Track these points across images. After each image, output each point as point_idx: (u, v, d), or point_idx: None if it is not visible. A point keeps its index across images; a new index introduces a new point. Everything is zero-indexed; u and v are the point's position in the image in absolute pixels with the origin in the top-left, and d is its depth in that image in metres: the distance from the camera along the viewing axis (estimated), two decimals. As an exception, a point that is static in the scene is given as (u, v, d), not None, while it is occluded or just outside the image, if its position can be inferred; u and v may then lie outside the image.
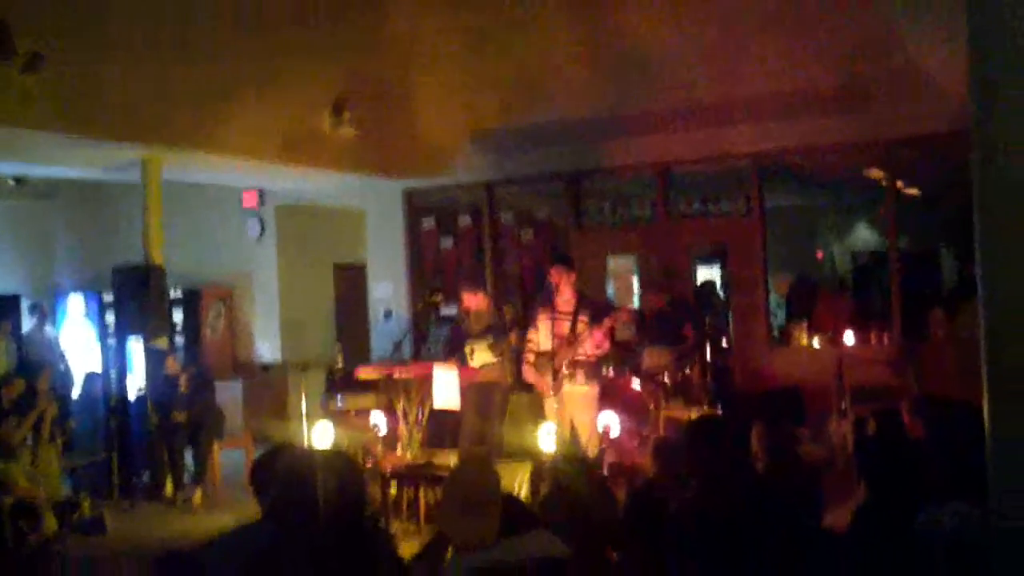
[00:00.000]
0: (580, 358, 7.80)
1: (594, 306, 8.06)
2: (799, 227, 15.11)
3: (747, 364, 10.43)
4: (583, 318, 7.84)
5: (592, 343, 7.79)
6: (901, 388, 8.76)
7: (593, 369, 7.93)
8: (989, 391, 3.88)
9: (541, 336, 7.99)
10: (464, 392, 8.05)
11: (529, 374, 8.08)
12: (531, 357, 8.04)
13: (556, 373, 7.84)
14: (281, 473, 3.45)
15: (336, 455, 3.78)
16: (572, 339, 7.81)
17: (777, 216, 11.80)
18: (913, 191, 12.01)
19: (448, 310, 11.42)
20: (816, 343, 10.38)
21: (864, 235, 15.90)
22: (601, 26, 10.11)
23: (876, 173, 10.64)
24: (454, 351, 8.54)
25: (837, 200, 15.28)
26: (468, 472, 3.81)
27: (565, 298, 7.97)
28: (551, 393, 7.86)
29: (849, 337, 10.02)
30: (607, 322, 7.78)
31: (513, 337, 8.77)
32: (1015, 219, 3.59)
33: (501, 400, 8.63)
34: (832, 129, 9.85)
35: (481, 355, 8.30)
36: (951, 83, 8.24)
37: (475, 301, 8.57)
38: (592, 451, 7.38)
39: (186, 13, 8.61)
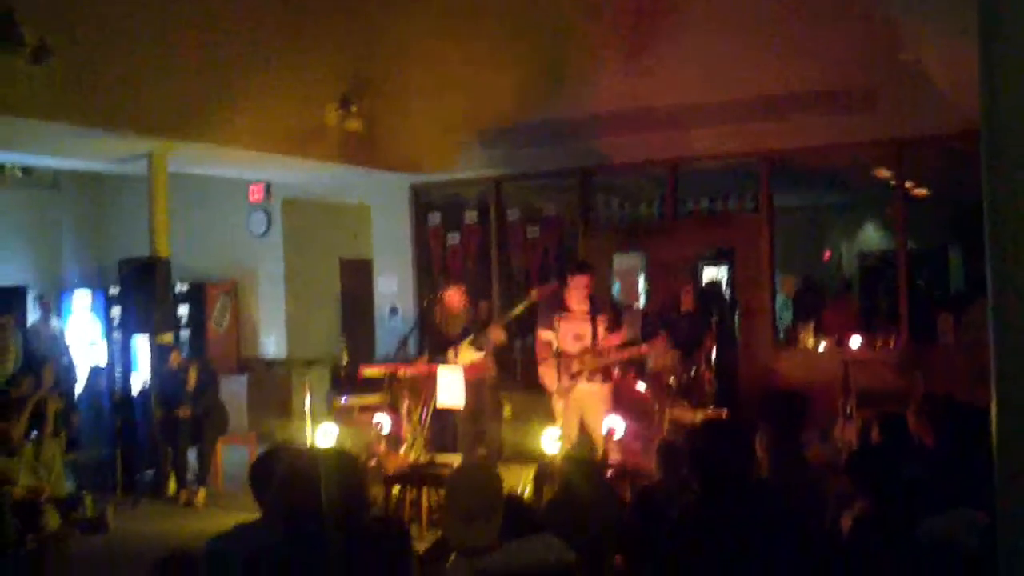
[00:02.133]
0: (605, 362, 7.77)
1: (611, 309, 8.04)
2: (806, 227, 15.06)
3: (753, 365, 10.38)
4: (602, 321, 7.80)
5: (616, 346, 7.76)
6: (908, 392, 8.71)
7: (605, 368, 7.90)
8: (998, 395, 3.84)
9: (560, 337, 7.89)
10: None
11: (546, 376, 8.03)
12: (546, 357, 7.99)
13: (576, 376, 7.81)
14: (282, 472, 3.43)
15: (338, 454, 3.77)
16: (596, 346, 7.78)
17: (784, 216, 11.75)
18: (922, 191, 11.96)
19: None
20: (822, 345, 10.33)
21: (872, 235, 15.85)
22: (610, 22, 10.07)
23: (884, 173, 10.59)
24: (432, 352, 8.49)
25: (845, 200, 15.22)
26: (469, 476, 3.79)
27: (578, 300, 7.92)
28: (561, 394, 7.82)
29: (856, 339, 9.97)
30: (622, 333, 7.75)
31: (497, 334, 8.65)
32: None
33: (492, 396, 8.60)
34: (840, 128, 9.80)
35: (465, 354, 8.27)
36: (958, 82, 8.19)
37: (457, 297, 8.63)
38: (599, 452, 7.35)
39: (194, 4, 8.59)
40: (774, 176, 10.44)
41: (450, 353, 8.35)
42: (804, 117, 9.89)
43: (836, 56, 9.46)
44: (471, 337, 8.33)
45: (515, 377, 10.76)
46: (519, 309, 8.45)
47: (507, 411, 9.47)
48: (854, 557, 4.20)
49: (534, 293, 8.23)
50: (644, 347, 7.83)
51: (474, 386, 8.25)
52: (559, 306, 8.03)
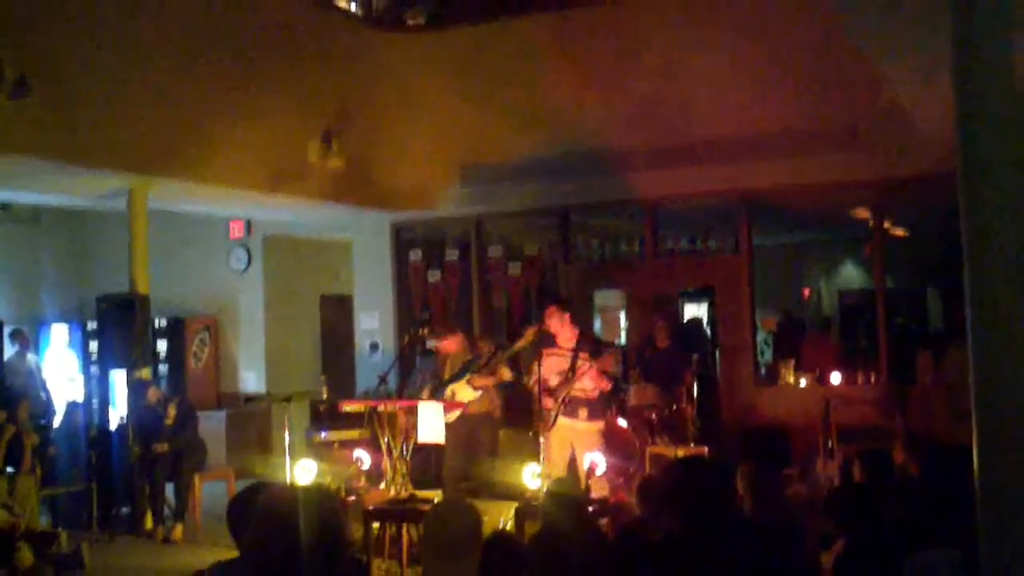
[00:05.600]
0: (579, 395, 7.73)
1: (592, 343, 8.03)
2: (786, 265, 15.14)
3: (733, 402, 10.40)
4: (584, 354, 7.79)
5: (591, 379, 7.73)
6: (888, 429, 8.74)
7: (597, 407, 7.84)
8: (979, 434, 3.85)
9: (544, 372, 7.91)
10: (451, 426, 8.01)
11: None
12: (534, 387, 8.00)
13: (553, 410, 7.78)
14: (260, 510, 3.39)
15: (316, 490, 3.73)
16: (569, 376, 7.76)
17: (764, 254, 11.82)
18: (900, 231, 12.06)
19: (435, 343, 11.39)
20: (803, 382, 10.36)
21: (851, 274, 15.94)
22: (591, 63, 10.15)
23: (863, 212, 10.68)
24: (435, 390, 8.54)
25: (824, 238, 15.33)
26: (445, 514, 3.76)
27: (565, 336, 7.91)
28: (547, 429, 7.79)
29: (836, 376, 10.01)
30: (600, 363, 7.72)
31: (504, 372, 8.70)
32: (1004, 256, 3.57)
33: (490, 435, 8.59)
34: (819, 168, 9.89)
35: (463, 393, 8.31)
36: (938, 123, 8.27)
37: (453, 344, 8.71)
38: (580, 488, 7.31)
39: (175, 42, 8.62)
40: (753, 215, 10.51)
41: (448, 391, 8.38)
42: (783, 157, 9.97)
43: (815, 96, 9.57)
44: (467, 377, 8.36)
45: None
46: (521, 344, 8.45)
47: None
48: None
49: (530, 332, 8.22)
50: (599, 363, 7.74)
51: (473, 422, 8.27)
52: (547, 342, 8.03)
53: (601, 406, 7.92)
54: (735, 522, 4.38)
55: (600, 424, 7.87)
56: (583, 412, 7.74)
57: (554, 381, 7.80)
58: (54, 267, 14.25)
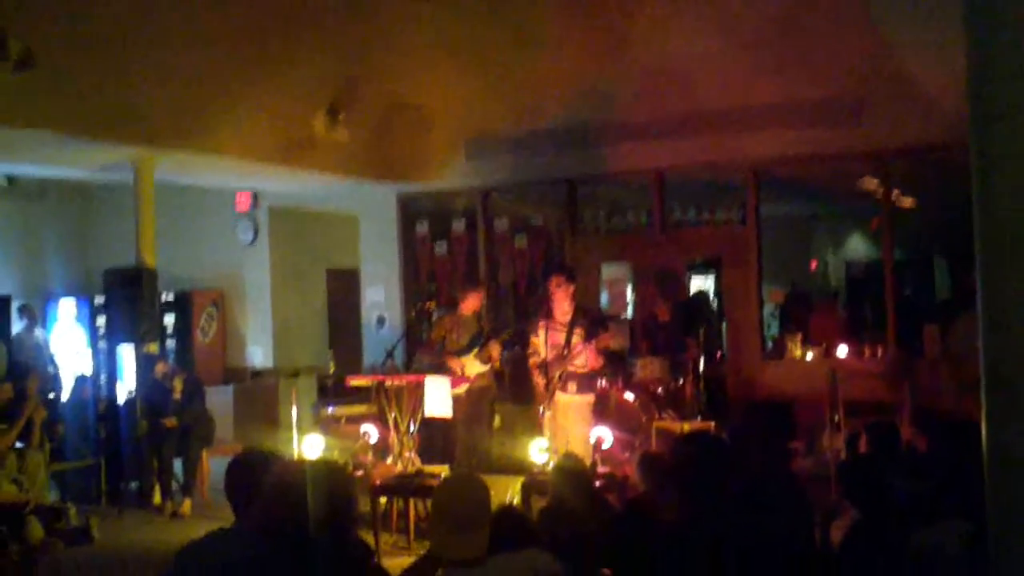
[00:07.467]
0: (572, 370, 7.77)
1: (590, 318, 8.04)
2: (793, 237, 15.08)
3: (740, 376, 10.38)
4: (579, 330, 7.80)
5: (587, 357, 7.76)
6: (895, 402, 8.73)
7: (586, 380, 7.90)
8: (988, 406, 3.83)
9: (540, 345, 7.97)
10: (458, 400, 8.04)
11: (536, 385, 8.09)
12: (534, 363, 8.04)
13: (549, 384, 7.82)
14: (267, 483, 3.39)
15: (324, 464, 3.73)
16: (564, 352, 7.78)
17: (771, 226, 11.77)
18: (908, 202, 12.00)
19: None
20: (809, 355, 10.33)
21: (858, 245, 15.89)
22: (598, 33, 10.08)
23: (871, 183, 10.61)
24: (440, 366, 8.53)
25: (831, 210, 15.26)
26: (455, 487, 3.77)
27: (563, 309, 7.93)
28: (545, 403, 7.83)
29: (843, 349, 9.98)
30: (597, 343, 7.74)
31: (496, 349, 8.71)
32: (1016, 227, 3.54)
33: (488, 409, 8.62)
34: (827, 138, 9.82)
35: (472, 367, 8.32)
36: (946, 92, 8.22)
37: (475, 301, 8.77)
38: (586, 463, 7.34)
39: (181, 12, 8.56)
40: (760, 187, 10.46)
41: (455, 365, 8.36)
42: (790, 127, 9.92)
43: (822, 66, 9.49)
44: (475, 351, 8.35)
45: (503, 387, 10.75)
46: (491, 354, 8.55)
47: (496, 422, 9.47)
48: (846, 568, 4.19)
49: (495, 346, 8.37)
50: (597, 342, 7.78)
51: (477, 396, 8.29)
52: (546, 314, 8.05)
53: (590, 379, 7.95)
54: (741, 496, 4.39)
55: (590, 397, 7.91)
56: (572, 385, 7.78)
57: (550, 355, 7.84)
58: (61, 241, 14.25)
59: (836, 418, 8.28)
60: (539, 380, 7.93)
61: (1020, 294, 3.62)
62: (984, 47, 3.51)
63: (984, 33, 3.51)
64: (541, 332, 7.96)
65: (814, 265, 16.14)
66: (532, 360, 8.10)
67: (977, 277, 3.61)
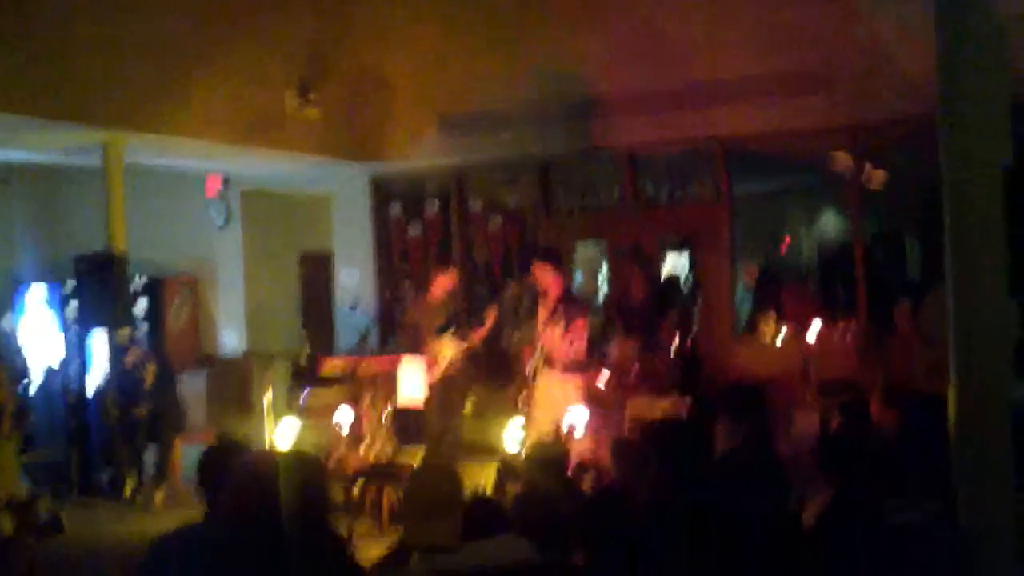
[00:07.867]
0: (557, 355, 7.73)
1: (569, 307, 7.96)
2: (765, 214, 15.09)
3: (713, 355, 10.39)
4: (554, 320, 7.77)
5: (566, 346, 7.72)
6: (867, 381, 8.77)
7: (572, 361, 7.84)
8: (957, 383, 3.86)
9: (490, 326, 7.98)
10: (431, 389, 8.00)
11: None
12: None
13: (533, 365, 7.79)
14: (240, 474, 3.37)
15: (296, 455, 3.71)
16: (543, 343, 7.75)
17: (743, 203, 11.78)
18: (879, 176, 12.02)
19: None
20: (782, 334, 10.34)
21: (831, 221, 15.92)
22: (569, 8, 10.05)
23: (843, 159, 10.62)
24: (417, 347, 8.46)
25: (803, 185, 15.26)
26: (427, 475, 3.77)
27: (554, 292, 7.87)
28: (528, 385, 7.80)
29: (815, 328, 10.00)
30: (571, 334, 7.69)
31: (492, 316, 8.66)
32: (983, 203, 3.55)
33: (461, 394, 8.59)
34: (798, 113, 9.81)
35: (448, 349, 8.26)
36: (916, 66, 8.23)
37: (448, 281, 8.67)
38: (561, 448, 7.32)
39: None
40: (732, 163, 10.45)
41: (433, 346, 8.29)
42: (758, 101, 9.89)
43: (792, 39, 9.48)
44: (453, 328, 8.26)
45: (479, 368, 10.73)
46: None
47: (468, 407, 9.44)
48: (822, 544, 4.21)
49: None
50: (569, 334, 7.76)
51: (450, 384, 8.25)
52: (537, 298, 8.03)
53: (579, 361, 7.93)
54: (714, 478, 4.40)
55: (578, 378, 7.88)
56: (558, 366, 7.76)
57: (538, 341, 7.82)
58: (29, 227, 14.09)
59: (808, 396, 8.34)
60: (526, 361, 7.86)
61: (988, 271, 3.64)
62: (953, 21, 3.51)
63: (954, 5, 3.51)
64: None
65: (787, 242, 16.16)
66: (479, 334, 8.07)
67: (946, 254, 3.62)
